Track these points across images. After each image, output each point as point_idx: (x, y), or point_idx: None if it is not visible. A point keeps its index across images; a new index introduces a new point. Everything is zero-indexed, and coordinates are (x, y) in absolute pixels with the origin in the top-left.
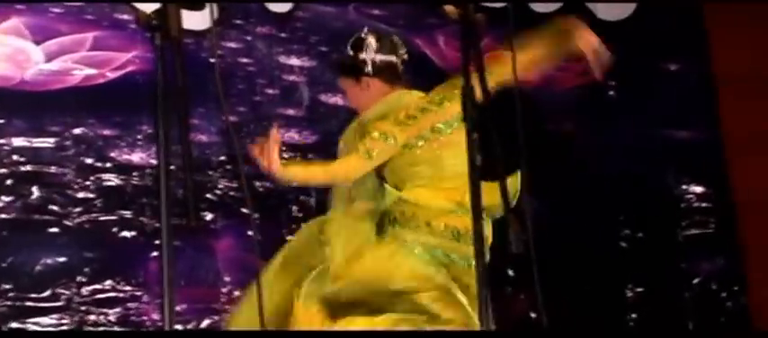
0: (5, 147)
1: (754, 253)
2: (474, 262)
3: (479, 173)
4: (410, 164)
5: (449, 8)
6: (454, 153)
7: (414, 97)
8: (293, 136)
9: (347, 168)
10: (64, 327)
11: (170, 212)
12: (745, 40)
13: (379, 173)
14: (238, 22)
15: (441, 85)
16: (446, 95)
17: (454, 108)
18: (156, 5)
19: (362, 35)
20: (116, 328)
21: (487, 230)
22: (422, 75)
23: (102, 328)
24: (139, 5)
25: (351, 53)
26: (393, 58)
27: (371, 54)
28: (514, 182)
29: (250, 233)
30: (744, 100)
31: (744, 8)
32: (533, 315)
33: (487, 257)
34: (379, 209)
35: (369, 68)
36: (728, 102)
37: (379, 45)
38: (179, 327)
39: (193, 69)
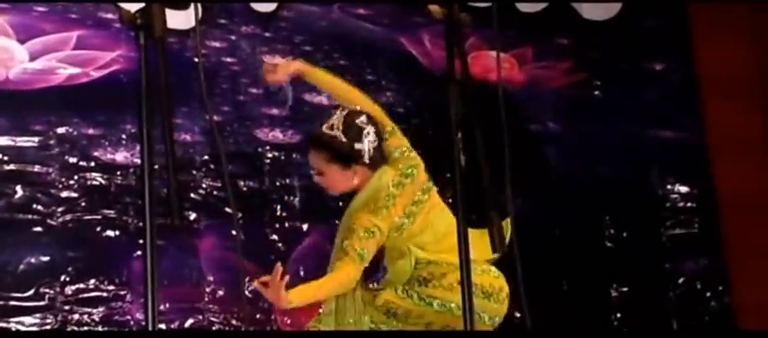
0: None
1: (738, 253)
2: (498, 321)
3: (464, 179)
4: (409, 238)
5: (434, 8)
6: (442, 215)
7: (389, 174)
8: (277, 135)
9: (348, 276)
10: (47, 327)
11: (154, 211)
12: (730, 41)
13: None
14: (222, 21)
15: (394, 142)
16: (411, 164)
17: (421, 175)
18: (141, 5)
19: (361, 124)
20: (99, 328)
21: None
22: (407, 74)
23: (85, 328)
24: (124, 5)
25: (344, 140)
26: (380, 141)
27: (371, 144)
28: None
29: (233, 232)
30: (728, 100)
31: (728, 8)
32: (517, 314)
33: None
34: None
35: (365, 158)
36: (713, 102)
37: (376, 132)
38: (162, 327)
39: (177, 69)
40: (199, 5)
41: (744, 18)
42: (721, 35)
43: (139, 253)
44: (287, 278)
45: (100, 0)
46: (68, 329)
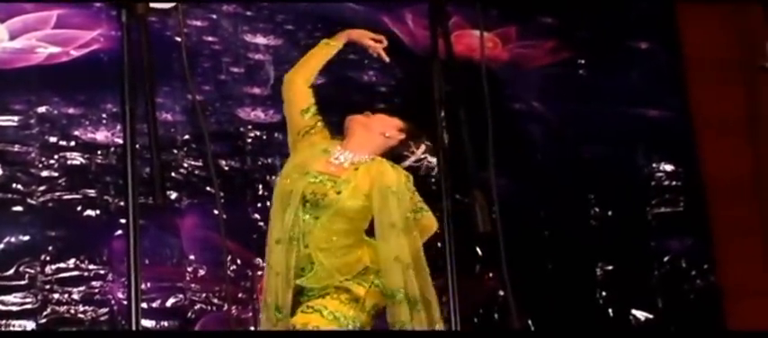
0: None
1: (723, 232)
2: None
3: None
4: None
5: None
6: None
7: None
8: (259, 114)
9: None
10: (28, 305)
11: (136, 190)
12: (715, 20)
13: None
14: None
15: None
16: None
17: None
18: None
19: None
20: (80, 307)
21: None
22: (390, 54)
23: (65, 306)
24: None
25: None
26: None
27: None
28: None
29: (215, 212)
30: (713, 79)
31: None
32: (501, 293)
33: None
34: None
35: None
36: (698, 81)
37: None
38: (144, 305)
39: (158, 48)
40: None
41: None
42: (706, 14)
43: (120, 232)
44: None
45: None
46: (49, 309)
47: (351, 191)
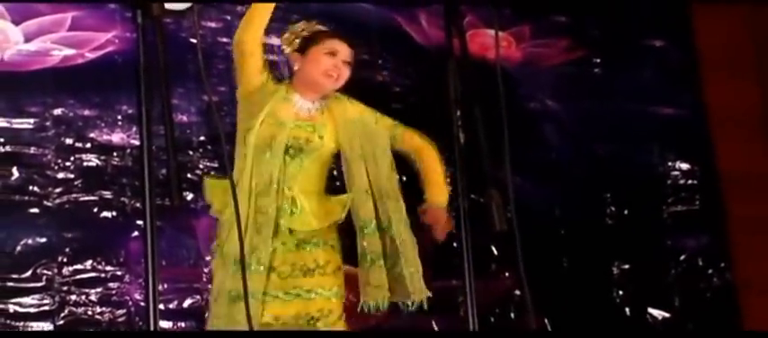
0: None
1: (740, 229)
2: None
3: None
4: None
5: None
6: None
7: None
8: None
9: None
10: (45, 308)
11: (153, 191)
12: (729, 17)
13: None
14: (218, 1)
15: None
16: None
17: None
18: None
19: None
20: (98, 308)
21: None
22: (404, 53)
23: (83, 308)
24: None
25: None
26: None
27: None
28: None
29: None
30: (727, 76)
31: None
32: (517, 292)
33: None
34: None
35: None
36: (713, 78)
37: None
38: (161, 307)
39: (173, 49)
40: None
41: None
42: (720, 12)
43: (136, 233)
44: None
45: None
46: (66, 310)
47: (329, 135)
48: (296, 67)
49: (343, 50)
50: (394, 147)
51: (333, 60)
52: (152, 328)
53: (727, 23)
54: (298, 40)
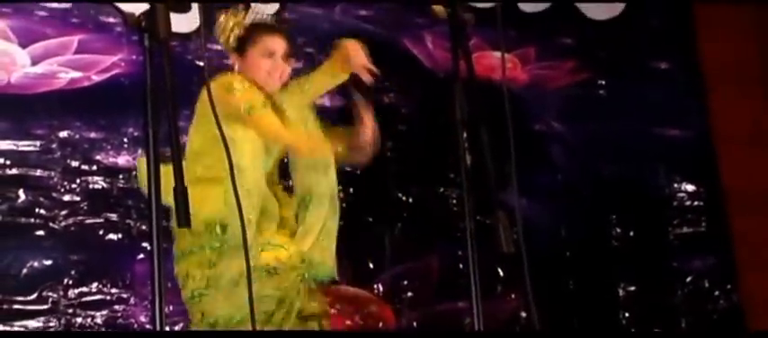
0: None
1: (746, 251)
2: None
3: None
4: None
5: (437, 8)
6: None
7: None
8: None
9: None
10: (51, 330)
11: (160, 214)
12: (735, 38)
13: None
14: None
15: None
16: None
17: None
18: (142, 6)
19: None
20: (103, 330)
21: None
22: (410, 75)
23: (89, 330)
24: (125, 6)
25: None
26: None
27: None
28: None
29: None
30: (734, 97)
31: (732, 6)
32: (524, 314)
33: None
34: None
35: None
36: (718, 99)
37: None
38: (167, 329)
39: (179, 72)
40: (200, 8)
41: (748, 15)
42: (726, 33)
43: (142, 256)
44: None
45: (103, 1)
46: (73, 331)
47: None
48: (236, 67)
49: (280, 47)
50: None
51: (271, 61)
52: (158, 328)
53: (733, 43)
54: (232, 39)
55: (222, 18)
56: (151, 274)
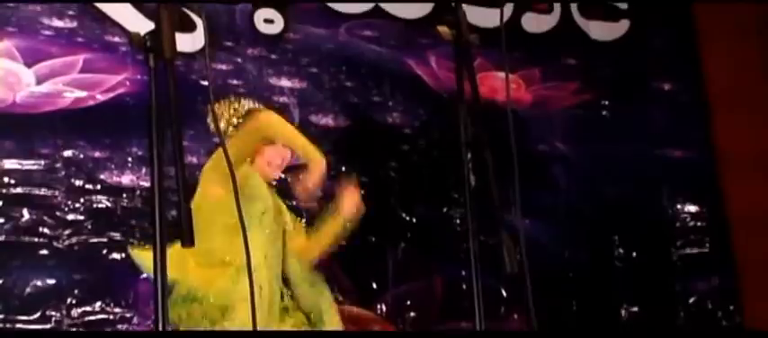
0: None
1: (749, 272)
2: None
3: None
4: None
5: (442, 29)
6: None
7: None
8: None
9: None
10: None
11: (164, 233)
12: (738, 59)
13: None
14: (228, 43)
15: None
16: None
17: None
18: (148, 25)
19: None
20: None
21: None
22: (414, 95)
23: None
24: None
25: None
26: None
27: None
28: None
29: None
30: (737, 118)
31: (736, 28)
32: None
33: None
34: None
35: None
36: (722, 120)
37: None
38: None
39: (183, 91)
40: (206, 27)
41: (752, 37)
42: (730, 55)
43: (145, 275)
44: None
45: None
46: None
47: None
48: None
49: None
50: None
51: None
52: (161, 328)
53: (737, 63)
54: (231, 129)
55: (216, 107)
56: (153, 273)
